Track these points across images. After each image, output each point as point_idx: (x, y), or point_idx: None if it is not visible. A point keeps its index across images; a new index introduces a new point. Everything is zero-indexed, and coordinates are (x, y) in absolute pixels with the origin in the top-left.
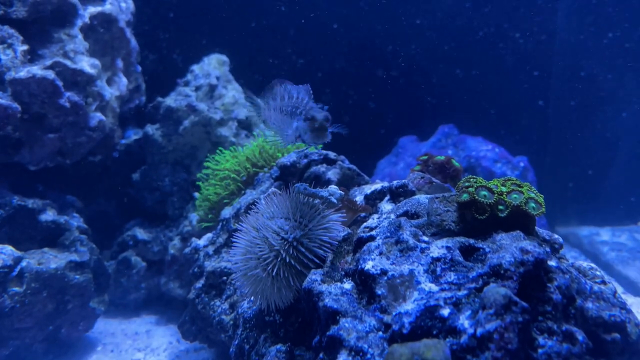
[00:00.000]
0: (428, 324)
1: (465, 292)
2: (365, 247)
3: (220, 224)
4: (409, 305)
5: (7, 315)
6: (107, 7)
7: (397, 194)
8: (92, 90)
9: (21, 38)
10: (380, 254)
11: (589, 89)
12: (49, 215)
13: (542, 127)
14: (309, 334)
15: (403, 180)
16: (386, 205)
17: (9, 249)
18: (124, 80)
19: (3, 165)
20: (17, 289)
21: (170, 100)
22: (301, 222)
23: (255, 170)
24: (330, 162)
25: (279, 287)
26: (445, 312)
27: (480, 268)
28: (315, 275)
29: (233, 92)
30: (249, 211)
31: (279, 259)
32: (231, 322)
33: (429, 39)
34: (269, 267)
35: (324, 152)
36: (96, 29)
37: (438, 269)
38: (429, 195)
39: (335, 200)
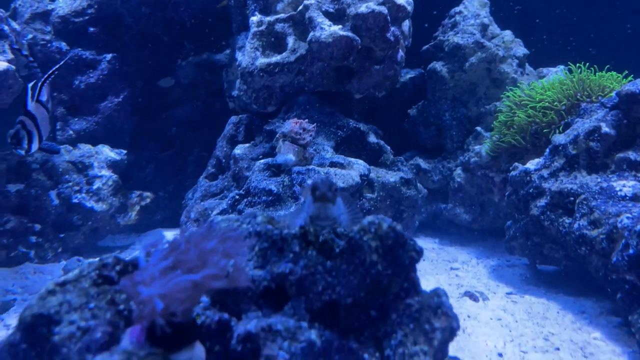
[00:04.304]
0: None
1: None
2: None
3: (549, 149)
4: None
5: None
6: None
7: None
8: (402, 27)
9: None
10: None
11: None
12: (373, 138)
13: None
14: None
15: None
16: None
17: (361, 161)
18: (407, 21)
19: (334, 93)
20: (370, 195)
21: (457, 38)
22: None
23: (576, 100)
24: None
25: None
26: None
27: None
28: None
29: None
30: (589, 137)
31: None
32: (602, 237)
33: None
34: None
35: None
36: None
37: None
38: None
39: None
